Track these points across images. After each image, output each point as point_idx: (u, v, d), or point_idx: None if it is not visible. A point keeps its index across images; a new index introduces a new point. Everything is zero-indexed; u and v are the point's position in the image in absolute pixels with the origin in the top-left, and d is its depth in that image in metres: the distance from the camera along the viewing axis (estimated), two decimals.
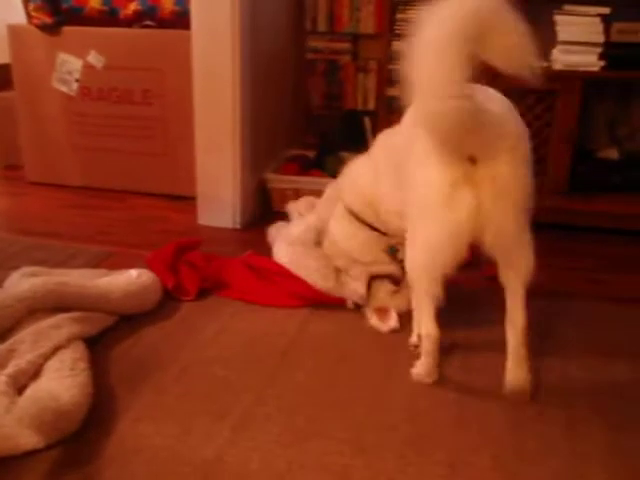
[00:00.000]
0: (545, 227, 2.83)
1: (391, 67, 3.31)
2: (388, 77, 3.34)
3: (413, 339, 1.87)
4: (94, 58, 3.10)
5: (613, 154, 3.01)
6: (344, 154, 3.24)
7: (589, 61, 2.69)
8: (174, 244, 2.34)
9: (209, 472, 1.40)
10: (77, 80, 3.18)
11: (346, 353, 1.88)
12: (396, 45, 3.28)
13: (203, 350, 1.88)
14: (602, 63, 2.68)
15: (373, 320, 2.03)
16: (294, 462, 1.43)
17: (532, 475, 1.41)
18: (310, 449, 1.47)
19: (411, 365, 1.79)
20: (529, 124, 2.77)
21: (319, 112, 3.49)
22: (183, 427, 1.54)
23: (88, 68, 3.15)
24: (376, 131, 3.42)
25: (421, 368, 1.72)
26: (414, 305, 1.81)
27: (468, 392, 1.65)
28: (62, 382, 1.54)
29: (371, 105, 3.40)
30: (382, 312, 2.05)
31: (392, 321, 2.00)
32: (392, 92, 3.35)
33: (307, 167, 3.15)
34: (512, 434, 1.53)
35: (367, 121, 3.44)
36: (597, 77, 2.73)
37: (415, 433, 1.53)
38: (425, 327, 1.68)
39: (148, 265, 2.22)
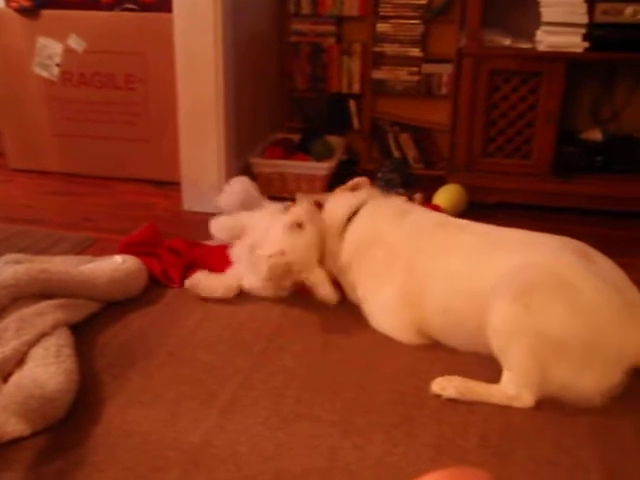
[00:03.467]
0: (529, 208, 2.85)
1: (376, 49, 3.29)
2: (373, 59, 3.32)
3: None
4: (75, 42, 3.06)
5: (597, 135, 3.02)
6: (329, 137, 3.23)
7: (573, 42, 2.68)
8: (143, 234, 2.33)
9: (197, 456, 1.40)
10: (58, 65, 3.13)
11: (332, 337, 1.88)
12: (380, 27, 3.25)
13: (189, 335, 1.88)
14: (586, 44, 2.67)
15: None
16: (282, 445, 1.44)
17: (520, 455, 1.42)
18: (298, 431, 1.48)
19: (396, 350, 1.80)
20: (514, 106, 2.81)
21: (303, 95, 3.47)
22: (170, 412, 1.54)
23: (69, 53, 3.10)
24: (361, 114, 3.43)
25: None
26: None
27: (456, 374, 1.65)
28: (47, 369, 1.53)
29: (356, 88, 3.38)
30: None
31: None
32: (377, 75, 3.33)
33: (292, 151, 3.13)
34: (500, 415, 1.55)
35: (352, 104, 3.43)
36: (581, 58, 2.73)
37: (402, 415, 1.54)
38: None
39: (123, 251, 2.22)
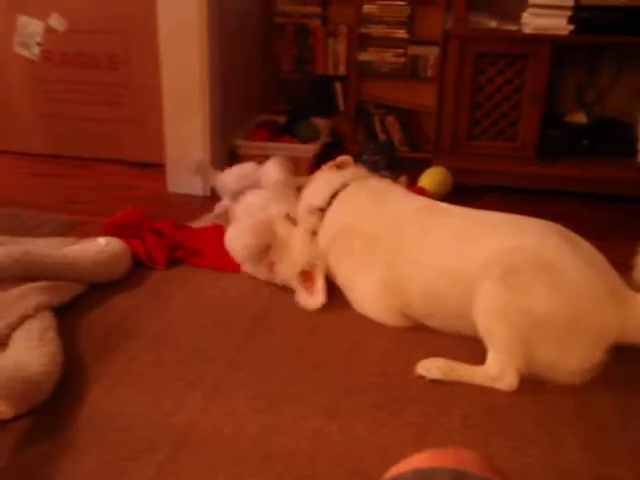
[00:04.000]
0: (514, 191, 2.87)
1: (361, 31, 3.27)
2: (359, 41, 3.30)
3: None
4: (56, 21, 3.01)
5: (581, 118, 3.03)
6: (315, 120, 3.22)
7: (559, 25, 2.68)
8: (128, 216, 2.32)
9: (183, 438, 1.40)
10: (39, 44, 3.08)
11: (317, 320, 1.88)
12: (366, 8, 3.23)
13: (175, 318, 1.87)
14: (571, 27, 2.67)
15: (301, 295, 1.94)
16: (268, 427, 1.44)
17: (502, 433, 1.44)
18: (284, 413, 1.48)
19: (381, 333, 1.81)
20: (500, 88, 2.81)
21: (289, 77, 3.44)
22: (156, 394, 1.54)
23: (50, 32, 3.05)
24: (347, 96, 3.41)
25: None
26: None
27: (440, 356, 1.66)
28: (30, 352, 1.52)
29: (342, 70, 3.36)
30: (308, 280, 1.96)
31: (320, 295, 1.92)
32: (363, 56, 3.31)
33: (277, 133, 3.12)
34: (483, 395, 1.56)
35: (338, 86, 3.41)
36: (566, 41, 2.73)
37: (387, 396, 1.55)
38: None
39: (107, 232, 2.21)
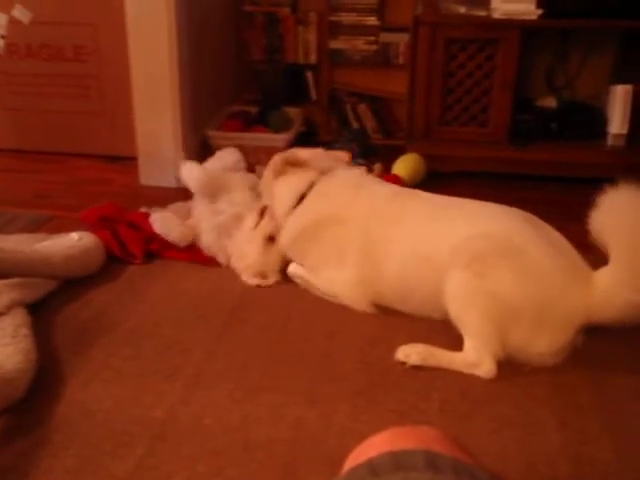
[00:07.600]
0: (486, 176, 2.88)
1: (332, 19, 3.26)
2: (329, 29, 3.28)
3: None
4: (19, 12, 2.93)
5: (551, 102, 3.06)
6: (287, 109, 3.20)
7: (527, 9, 2.70)
8: (105, 209, 2.32)
9: (163, 431, 1.39)
10: (3, 37, 3.00)
11: (294, 309, 1.88)
12: None
13: (151, 311, 1.86)
14: (540, 11, 2.69)
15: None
16: (248, 416, 1.44)
17: (481, 416, 1.46)
18: (264, 402, 1.48)
19: (359, 319, 1.81)
20: (471, 74, 2.82)
21: (260, 66, 3.42)
22: (134, 388, 1.52)
23: (15, 23, 2.98)
24: (318, 85, 3.40)
25: None
26: None
27: (419, 341, 1.67)
28: (4, 350, 1.50)
29: (313, 58, 3.34)
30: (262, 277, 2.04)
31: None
32: (334, 44, 3.30)
33: (250, 123, 3.10)
34: (462, 379, 1.57)
35: (309, 75, 3.39)
36: (535, 25, 2.74)
37: (366, 383, 1.56)
38: None
39: (86, 222, 2.23)
